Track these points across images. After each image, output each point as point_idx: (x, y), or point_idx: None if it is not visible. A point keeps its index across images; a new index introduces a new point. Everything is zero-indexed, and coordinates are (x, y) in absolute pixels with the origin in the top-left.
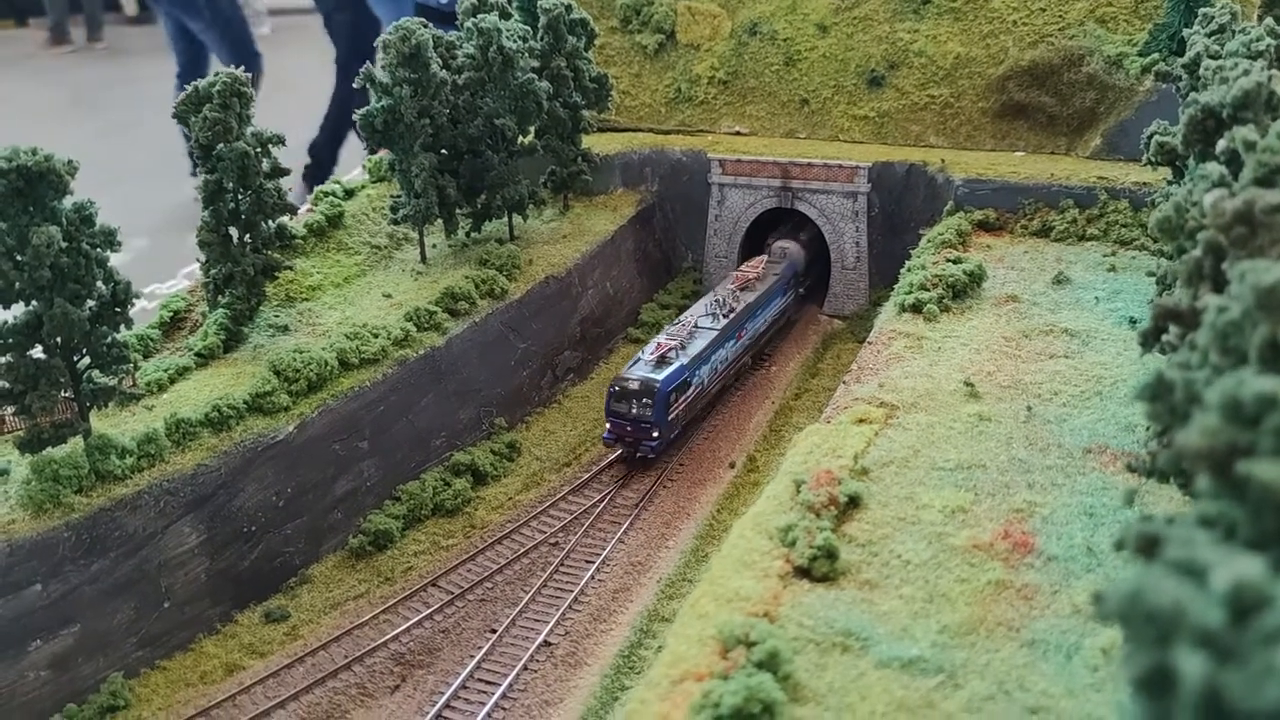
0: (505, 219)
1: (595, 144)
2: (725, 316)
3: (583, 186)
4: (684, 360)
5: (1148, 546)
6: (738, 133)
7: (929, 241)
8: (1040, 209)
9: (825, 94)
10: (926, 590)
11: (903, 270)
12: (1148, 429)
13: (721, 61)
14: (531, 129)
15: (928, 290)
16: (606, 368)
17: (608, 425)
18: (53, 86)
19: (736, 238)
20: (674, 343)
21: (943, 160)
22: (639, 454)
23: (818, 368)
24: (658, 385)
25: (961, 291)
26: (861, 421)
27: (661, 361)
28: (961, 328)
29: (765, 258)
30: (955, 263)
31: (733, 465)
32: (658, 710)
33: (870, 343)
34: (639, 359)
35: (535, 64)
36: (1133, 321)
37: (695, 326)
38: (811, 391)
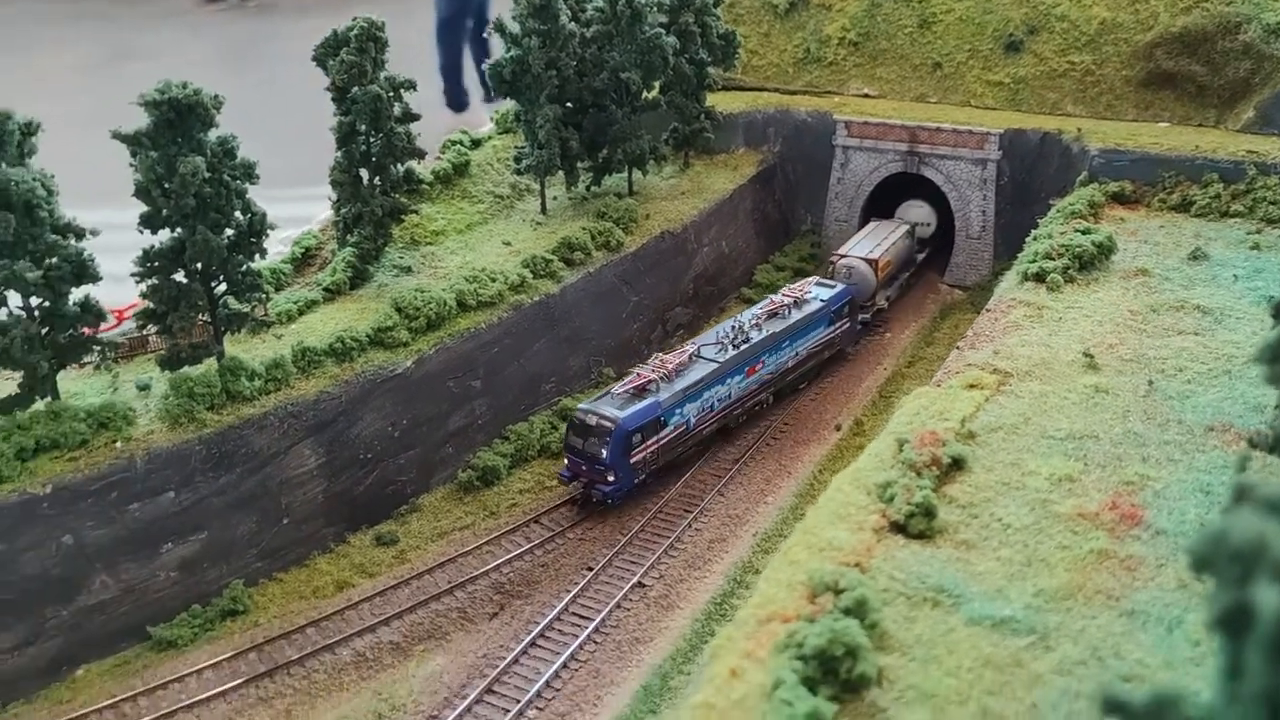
0: (625, 173)
1: (719, 102)
2: (735, 347)
3: (704, 144)
4: (662, 396)
5: (1242, 495)
6: (866, 95)
7: (1058, 211)
8: (1181, 183)
9: (959, 58)
10: (1025, 554)
11: (1028, 239)
12: (1277, 407)
13: (853, 22)
14: (656, 85)
15: (1053, 260)
16: (715, 325)
17: (565, 460)
18: (205, 40)
19: (858, 202)
20: (655, 374)
21: (1079, 129)
22: (594, 498)
23: (934, 336)
24: (616, 424)
25: (1089, 263)
26: (972, 387)
27: (637, 395)
28: (1086, 299)
29: (814, 280)
30: (1084, 233)
31: (838, 428)
32: (743, 647)
33: (989, 310)
34: (609, 392)
35: (663, 19)
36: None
37: (696, 355)
38: (925, 360)
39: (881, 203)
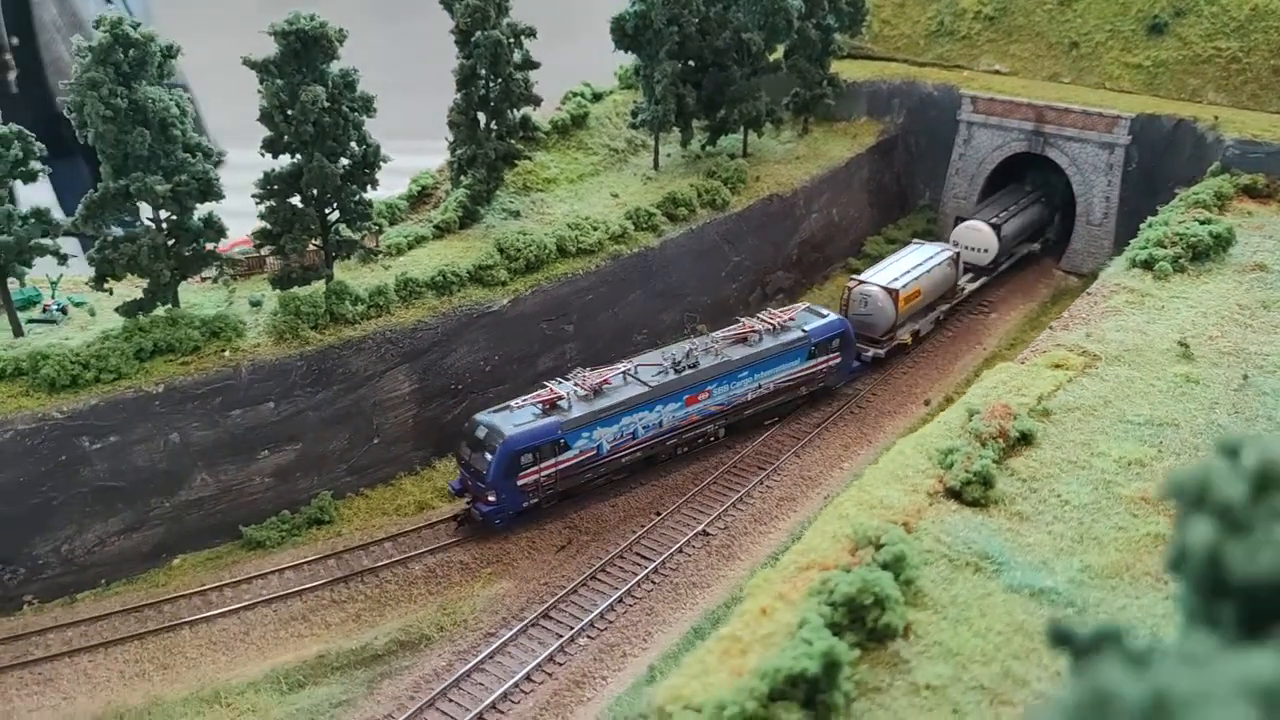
0: (741, 134)
1: (845, 70)
2: (675, 371)
3: (825, 111)
4: (568, 416)
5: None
6: (997, 71)
7: (1181, 200)
8: None
9: (1098, 38)
10: (1078, 531)
11: (1143, 225)
12: None
13: None
14: (780, 48)
15: (1164, 248)
16: (819, 293)
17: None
18: None
19: (979, 180)
20: (572, 390)
21: (1215, 117)
22: (475, 517)
23: (1040, 320)
24: (502, 441)
25: (1203, 254)
26: (1057, 366)
27: (545, 411)
28: (1193, 290)
29: (805, 306)
30: (1203, 224)
31: (928, 402)
32: (779, 589)
33: (1089, 294)
34: (509, 405)
35: None
36: None
37: (632, 374)
38: (1026, 343)
39: (1002, 182)
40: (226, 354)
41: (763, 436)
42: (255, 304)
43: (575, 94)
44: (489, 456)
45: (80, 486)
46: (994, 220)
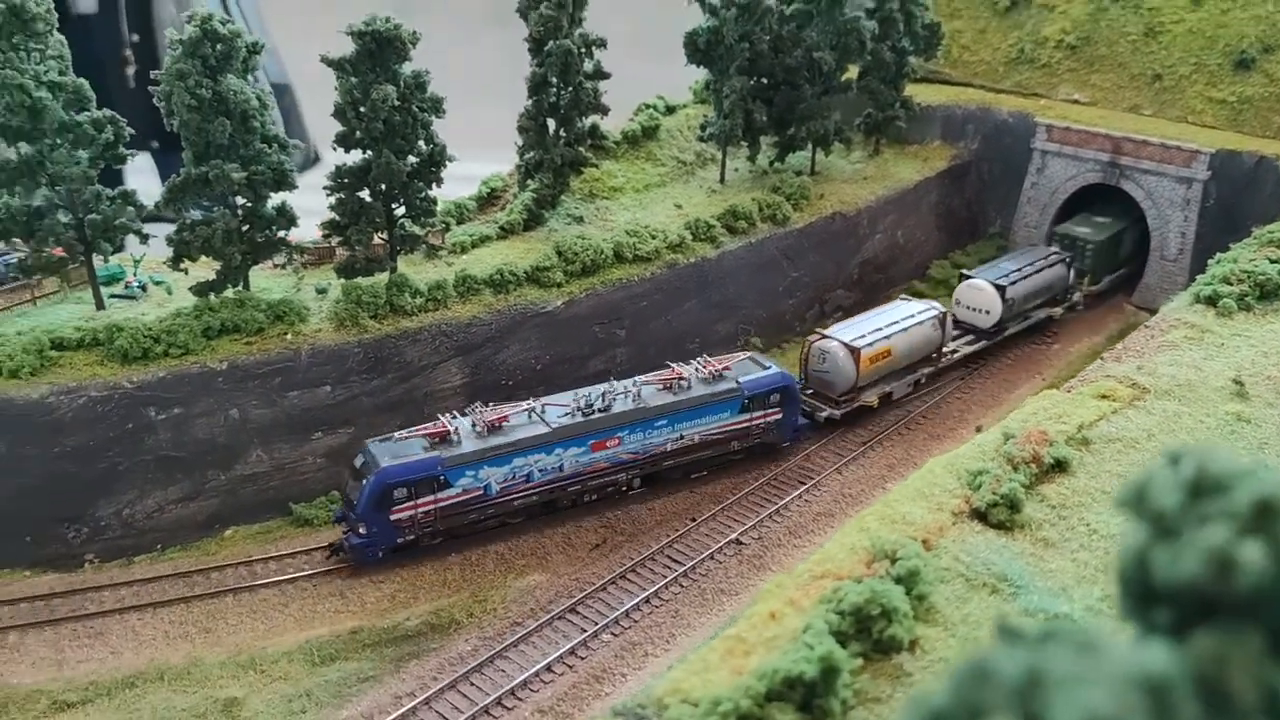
0: (810, 152)
1: (919, 93)
2: (582, 414)
3: (896, 133)
4: (451, 453)
5: (1172, 459)
6: (1075, 101)
7: (1255, 238)
8: None
9: (1182, 71)
10: (1103, 560)
11: (1211, 261)
12: None
13: (1075, 25)
14: (855, 68)
15: (1230, 285)
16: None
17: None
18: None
19: (1051, 209)
20: (468, 425)
21: None
22: (344, 548)
23: (1103, 356)
24: (376, 473)
25: (1271, 293)
26: (1103, 397)
27: (434, 444)
28: (1256, 328)
29: (748, 356)
30: (1274, 262)
31: (979, 429)
32: (790, 595)
33: (1147, 326)
34: (390, 437)
35: (870, 4)
36: None
37: (539, 412)
38: None
39: (1074, 212)
40: (289, 337)
41: (805, 451)
42: (321, 291)
43: (648, 106)
44: (363, 487)
45: (144, 454)
46: (1000, 280)
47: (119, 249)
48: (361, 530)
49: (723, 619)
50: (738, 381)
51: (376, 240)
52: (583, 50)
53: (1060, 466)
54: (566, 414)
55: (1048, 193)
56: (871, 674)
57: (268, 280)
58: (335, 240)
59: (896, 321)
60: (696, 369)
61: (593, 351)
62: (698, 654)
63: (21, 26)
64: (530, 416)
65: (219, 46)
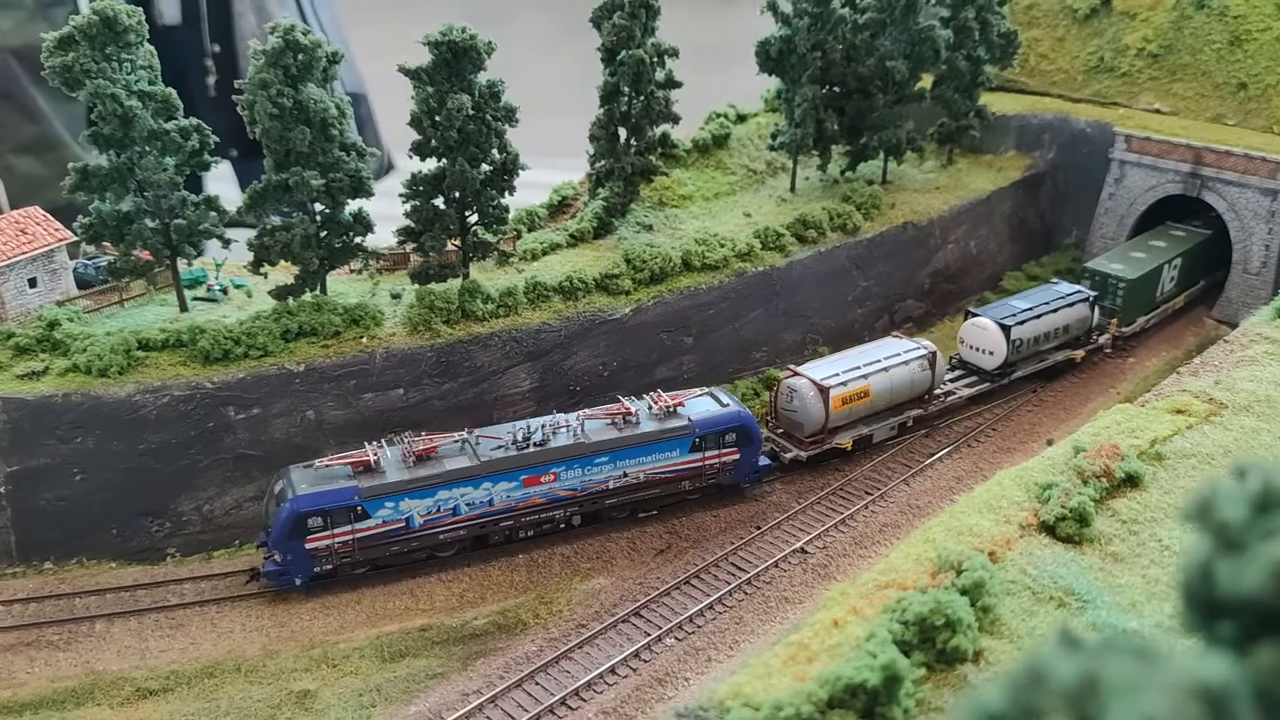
0: (881, 161)
1: (995, 102)
2: (516, 447)
3: (970, 142)
4: (369, 483)
5: (1239, 473)
6: (1157, 110)
7: None
8: None
9: (1269, 80)
10: (1175, 577)
11: None
12: None
13: (1157, 33)
14: (928, 77)
15: None
16: (950, 325)
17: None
18: (553, 12)
19: (1129, 220)
20: (394, 454)
21: None
22: (261, 574)
23: (1180, 370)
24: (289, 500)
25: None
26: (1178, 412)
27: (356, 472)
28: None
29: (706, 391)
30: None
31: (1050, 442)
32: (853, 604)
33: (1226, 341)
34: (311, 465)
35: (945, 13)
36: None
37: (473, 442)
38: None
39: (1152, 225)
40: (364, 340)
41: (873, 462)
42: (395, 296)
43: (719, 115)
44: (277, 515)
45: (223, 452)
46: (1006, 318)
47: (200, 253)
48: (276, 558)
49: (786, 626)
50: (690, 419)
51: (449, 247)
52: (654, 59)
53: (1132, 481)
54: (499, 447)
55: (1125, 204)
56: (934, 684)
57: (344, 285)
58: (410, 246)
59: (878, 360)
60: (649, 404)
61: (660, 359)
62: (760, 659)
63: (114, 38)
64: (464, 447)
65: (300, 56)
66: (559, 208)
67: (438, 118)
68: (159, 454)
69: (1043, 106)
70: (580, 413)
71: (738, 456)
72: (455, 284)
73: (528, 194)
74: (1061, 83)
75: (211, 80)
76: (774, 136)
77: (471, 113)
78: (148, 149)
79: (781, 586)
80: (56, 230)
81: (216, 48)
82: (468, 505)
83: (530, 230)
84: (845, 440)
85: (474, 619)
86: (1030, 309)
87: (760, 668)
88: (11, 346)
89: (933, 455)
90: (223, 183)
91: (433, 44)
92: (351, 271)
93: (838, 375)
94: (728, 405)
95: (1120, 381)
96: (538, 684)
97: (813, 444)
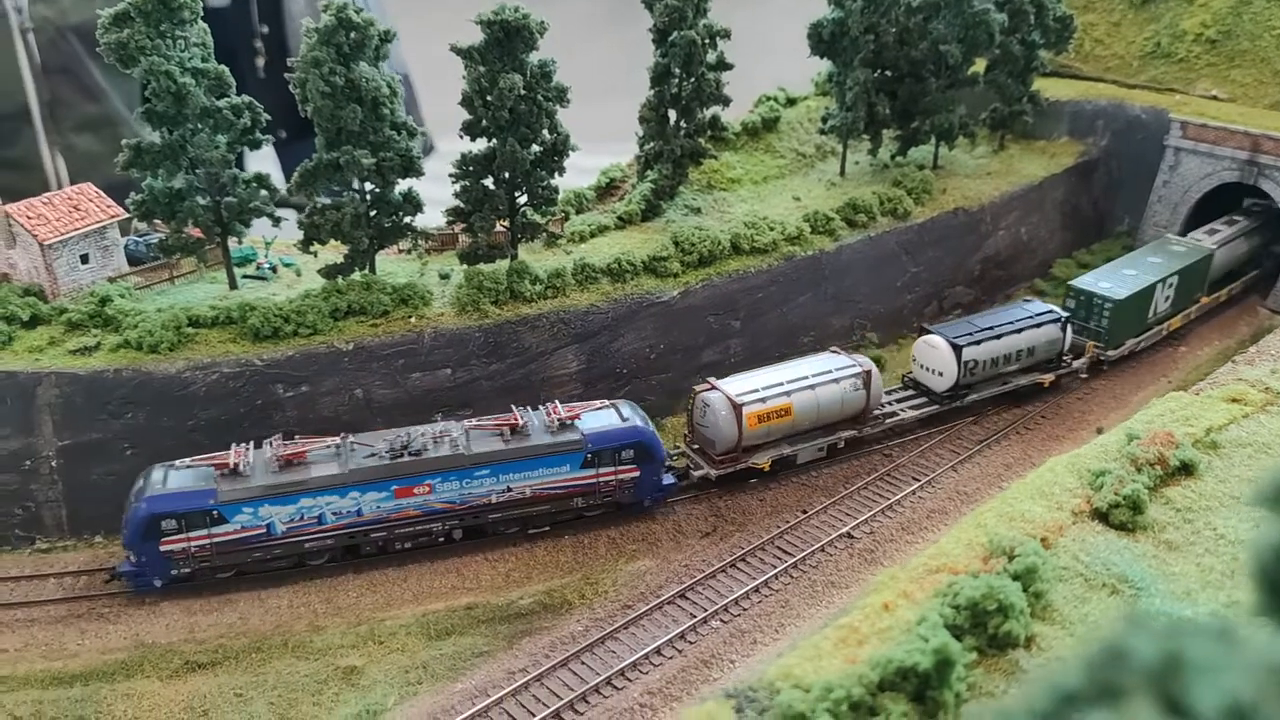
0: (933, 146)
1: (1048, 88)
2: (389, 456)
3: (1023, 128)
4: (228, 487)
5: None
6: (1214, 97)
7: None
8: None
9: None
10: (1230, 566)
11: None
12: None
13: (1216, 19)
14: (981, 61)
15: None
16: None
17: None
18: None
19: (1183, 208)
20: (261, 458)
21: None
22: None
23: (1235, 359)
24: (143, 500)
25: None
26: (1234, 400)
27: (223, 475)
28: None
29: (610, 403)
30: None
31: (1100, 431)
32: (904, 588)
33: None
34: (172, 465)
35: None
36: None
37: (347, 448)
38: None
39: (1206, 215)
40: (413, 320)
41: (920, 448)
42: (444, 277)
43: (768, 98)
44: (133, 514)
45: (272, 429)
46: (959, 337)
47: (248, 230)
48: (131, 558)
49: (832, 611)
50: (583, 434)
51: (498, 228)
52: (706, 41)
53: (1186, 469)
54: (372, 455)
55: (1180, 191)
56: (986, 669)
57: (393, 264)
58: (459, 227)
59: (805, 377)
60: (543, 415)
61: (707, 342)
62: (810, 641)
63: (168, 14)
64: (338, 453)
65: (353, 35)
66: (607, 190)
67: (489, 97)
68: (208, 430)
69: (1097, 92)
70: (467, 422)
71: (637, 474)
72: (503, 265)
73: (570, 178)
74: (1116, 68)
75: (261, 62)
76: (824, 120)
77: (523, 92)
78: (200, 126)
79: (828, 571)
80: (109, 207)
81: (265, 29)
82: (334, 514)
83: (578, 212)
84: (763, 460)
85: (520, 598)
86: (990, 328)
87: (810, 650)
88: (64, 322)
89: (981, 442)
90: (265, 165)
91: (485, 23)
92: (400, 251)
93: (756, 391)
94: (628, 420)
95: (1171, 370)
96: (583, 663)
97: (725, 462)
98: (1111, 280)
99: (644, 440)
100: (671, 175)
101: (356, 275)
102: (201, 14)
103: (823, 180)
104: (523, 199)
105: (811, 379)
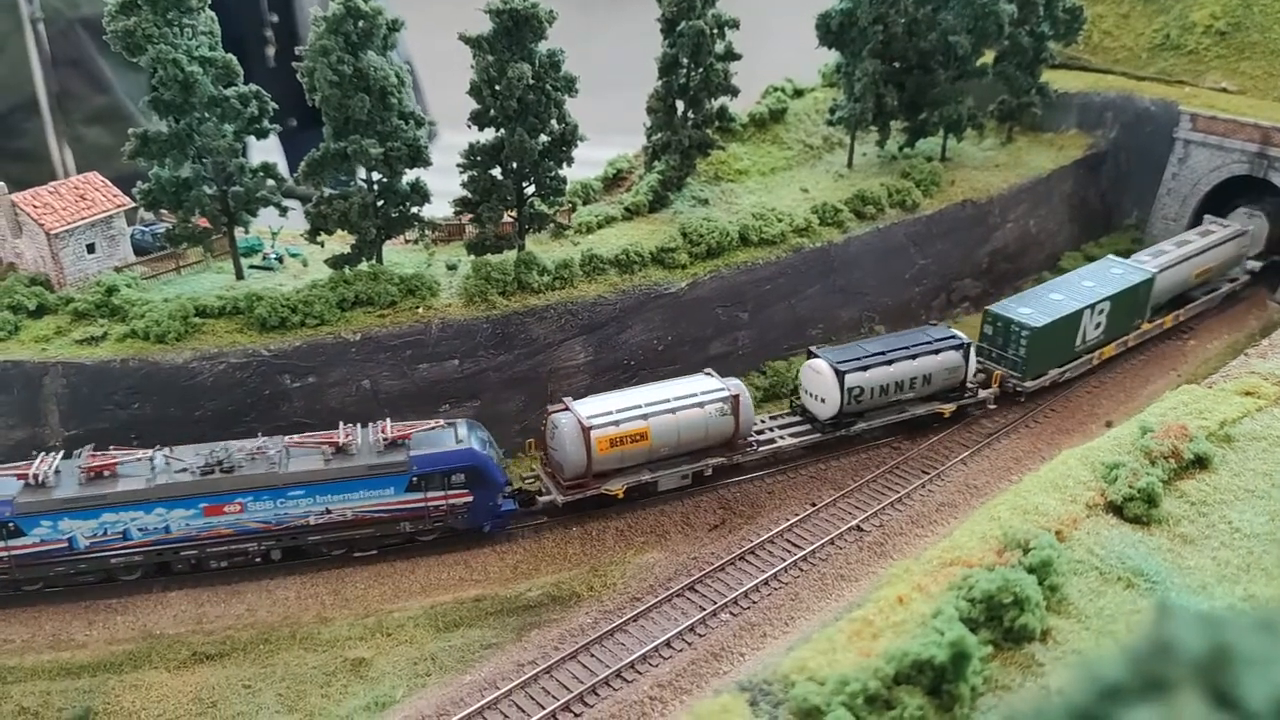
0: (941, 138)
1: (1057, 79)
2: (199, 472)
3: (1031, 120)
4: (26, 499)
5: None
6: (1224, 90)
7: None
8: None
9: None
10: (1246, 560)
11: None
12: None
13: (1225, 10)
14: (990, 53)
15: None
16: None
17: None
18: None
19: (1192, 201)
20: (66, 468)
21: None
22: None
23: (1247, 352)
24: None
25: None
26: (1247, 394)
27: (26, 487)
28: None
29: (449, 423)
30: None
31: (1109, 424)
32: (918, 581)
33: None
34: None
35: None
36: None
37: (156, 464)
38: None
39: (1216, 207)
40: (420, 311)
41: (929, 441)
42: (451, 267)
43: (776, 89)
44: None
45: (279, 421)
46: (843, 363)
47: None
48: None
49: (842, 604)
50: (409, 456)
51: (505, 218)
52: (714, 31)
53: (1201, 462)
54: (182, 470)
55: (1189, 184)
56: (1001, 662)
57: (400, 255)
58: (466, 217)
59: (666, 400)
60: (373, 433)
61: (715, 334)
62: (824, 634)
63: (176, 2)
64: (152, 466)
65: (361, 23)
66: (614, 181)
67: (497, 87)
68: (215, 421)
69: (1106, 84)
70: (289, 439)
71: (470, 499)
72: (511, 255)
73: (576, 171)
74: (1125, 60)
75: (270, 51)
76: (832, 111)
77: (532, 82)
78: (207, 115)
79: (837, 564)
80: (115, 196)
81: (275, 18)
82: (140, 530)
83: (585, 203)
84: (616, 487)
85: (528, 590)
86: (882, 353)
87: (824, 643)
88: (70, 311)
89: (990, 436)
90: (270, 156)
91: (494, 11)
92: (407, 242)
93: (610, 414)
94: (463, 441)
95: (1181, 364)
96: (593, 656)
97: (573, 488)
98: (1033, 306)
99: (476, 464)
100: (679, 166)
101: (364, 266)
102: (210, 1)
103: (830, 172)
104: (530, 189)
105: (673, 402)
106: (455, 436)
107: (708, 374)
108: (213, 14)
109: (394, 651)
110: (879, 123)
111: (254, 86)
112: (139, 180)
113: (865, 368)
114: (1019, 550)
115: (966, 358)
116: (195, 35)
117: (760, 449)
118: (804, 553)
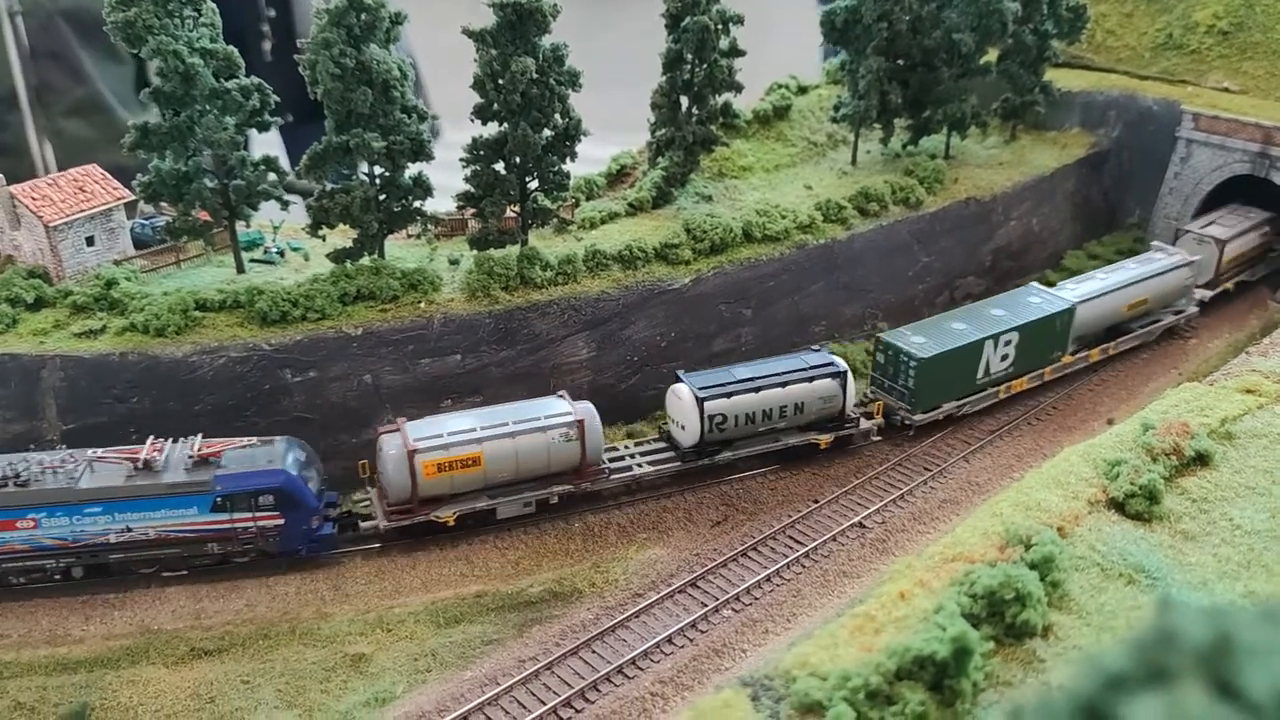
0: (944, 135)
1: (1060, 78)
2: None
3: (1034, 118)
4: None
5: None
6: (1226, 89)
7: None
8: None
9: None
10: (1247, 556)
11: None
12: None
13: (1228, 10)
14: (994, 51)
15: None
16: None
17: None
18: None
19: (1194, 200)
20: None
21: None
22: None
23: (1248, 350)
24: None
25: None
26: (1248, 391)
27: None
28: None
29: (285, 441)
30: None
31: (1111, 422)
32: (920, 576)
33: None
34: None
35: None
36: None
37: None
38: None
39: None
40: (422, 305)
41: (932, 438)
42: (454, 262)
43: (780, 86)
44: None
45: (279, 415)
46: (704, 389)
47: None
48: None
49: (844, 600)
50: (214, 475)
51: (508, 213)
52: (719, 26)
53: (1202, 460)
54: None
55: (1191, 183)
56: (1003, 658)
57: (402, 249)
58: (469, 212)
59: (504, 424)
60: (183, 449)
61: (718, 330)
62: (826, 629)
63: None
64: None
65: (363, 16)
66: (617, 177)
67: (501, 81)
68: (215, 415)
69: (1109, 83)
70: (95, 452)
71: (281, 522)
72: (514, 250)
73: (579, 168)
74: (1128, 59)
75: (267, 46)
76: (836, 108)
77: (535, 76)
78: (208, 107)
79: (839, 560)
80: (115, 189)
81: (272, 12)
82: None
83: (588, 199)
84: (447, 514)
85: (529, 586)
86: (750, 379)
87: (826, 638)
88: (69, 305)
89: (992, 433)
90: (271, 149)
91: (498, 5)
92: (409, 236)
93: (440, 436)
94: (274, 462)
95: (1182, 362)
96: (594, 652)
97: (398, 514)
98: (928, 335)
99: (284, 486)
100: (683, 162)
101: (365, 260)
102: None
103: (834, 169)
104: (534, 184)
105: (512, 426)
106: (268, 456)
107: (560, 396)
108: (214, 6)
109: (394, 647)
110: (883, 120)
111: (255, 79)
112: (124, 175)
113: (729, 394)
114: (1021, 546)
115: (844, 386)
116: (196, 26)
117: (614, 477)
118: (806, 549)
